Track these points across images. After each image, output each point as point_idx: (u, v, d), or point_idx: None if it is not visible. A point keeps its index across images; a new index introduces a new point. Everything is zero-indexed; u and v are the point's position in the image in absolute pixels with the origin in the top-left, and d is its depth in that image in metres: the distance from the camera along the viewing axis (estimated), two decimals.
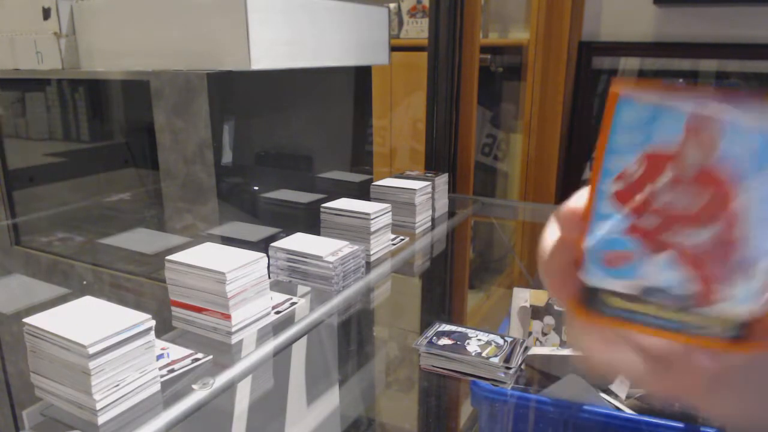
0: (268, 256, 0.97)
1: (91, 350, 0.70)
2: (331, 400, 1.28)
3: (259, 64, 0.99)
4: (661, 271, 0.27)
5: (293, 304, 1.02)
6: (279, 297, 1.03)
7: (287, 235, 1.15)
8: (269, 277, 0.98)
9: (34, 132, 1.75)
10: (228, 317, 0.90)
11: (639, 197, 0.26)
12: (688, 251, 0.26)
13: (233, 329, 0.91)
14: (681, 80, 1.96)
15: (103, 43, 1.10)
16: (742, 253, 0.25)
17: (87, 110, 1.69)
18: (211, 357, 0.86)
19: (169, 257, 0.93)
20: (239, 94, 1.41)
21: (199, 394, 0.80)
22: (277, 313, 0.99)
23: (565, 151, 2.12)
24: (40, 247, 1.62)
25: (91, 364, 0.71)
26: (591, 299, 0.29)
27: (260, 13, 0.98)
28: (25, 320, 0.76)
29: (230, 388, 0.90)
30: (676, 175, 0.26)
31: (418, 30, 2.36)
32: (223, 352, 0.90)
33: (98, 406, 0.73)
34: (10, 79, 1.63)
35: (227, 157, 1.37)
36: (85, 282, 1.47)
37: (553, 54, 2.00)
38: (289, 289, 1.09)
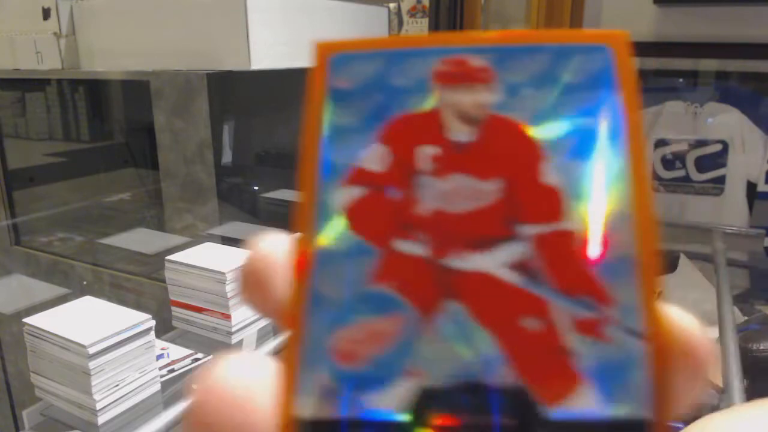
0: None
1: (91, 350, 0.70)
2: None
3: (259, 64, 0.99)
4: (446, 351, 0.14)
5: None
6: None
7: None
8: None
9: (34, 132, 1.75)
10: (228, 317, 0.90)
11: (388, 207, 0.15)
12: (486, 291, 0.14)
13: (233, 329, 0.91)
14: (681, 80, 1.96)
15: (103, 43, 1.10)
16: (581, 283, 0.14)
17: (87, 110, 1.68)
18: (211, 357, 0.86)
19: (169, 257, 0.93)
20: (239, 94, 1.41)
21: None
22: None
23: None
24: (40, 247, 1.62)
25: (91, 364, 0.71)
26: None
27: (260, 14, 0.98)
28: (25, 320, 0.76)
29: None
30: (441, 154, 0.15)
31: (418, 30, 2.36)
32: (224, 352, 0.90)
33: (98, 406, 0.73)
34: (10, 79, 1.63)
35: (227, 157, 1.37)
36: (85, 282, 1.47)
37: None
38: None
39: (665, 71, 1.99)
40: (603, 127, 0.15)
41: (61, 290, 1.51)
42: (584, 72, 0.15)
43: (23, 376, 0.81)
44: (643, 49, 2.00)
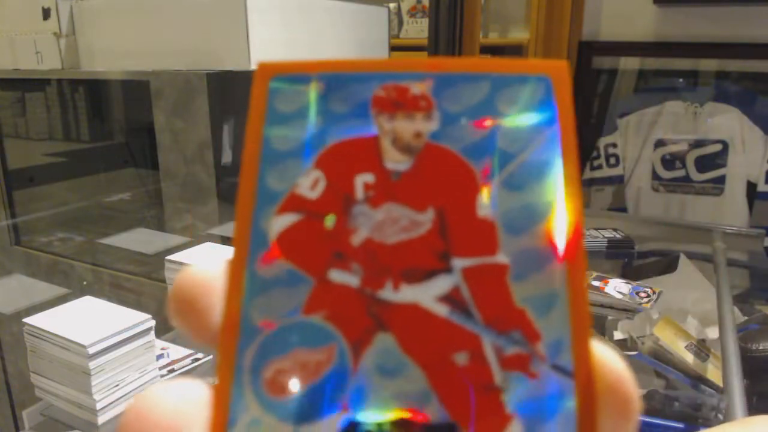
0: None
1: (91, 350, 0.70)
2: None
3: None
4: (376, 384, 0.14)
5: None
6: None
7: None
8: None
9: (34, 132, 1.75)
10: None
11: (322, 235, 0.15)
12: (416, 324, 0.14)
13: None
14: (681, 80, 1.96)
15: (103, 43, 1.10)
16: (510, 318, 0.14)
17: (87, 110, 1.68)
18: (211, 357, 0.86)
19: (169, 257, 0.93)
20: (239, 93, 1.41)
21: None
22: None
23: None
24: (40, 247, 1.62)
25: (91, 364, 0.71)
26: None
27: (260, 14, 0.98)
28: (25, 320, 0.76)
29: None
30: (376, 183, 0.15)
31: (418, 30, 2.36)
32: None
33: (98, 406, 0.73)
34: (10, 79, 1.63)
35: (227, 157, 1.37)
36: (85, 282, 1.47)
37: (553, 54, 2.00)
38: None
39: (665, 71, 1.99)
40: (540, 159, 0.15)
41: (61, 290, 1.51)
42: (523, 102, 0.15)
43: (23, 376, 0.81)
44: (643, 48, 2.00)
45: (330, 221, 0.15)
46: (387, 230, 0.15)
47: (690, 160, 1.86)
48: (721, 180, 1.83)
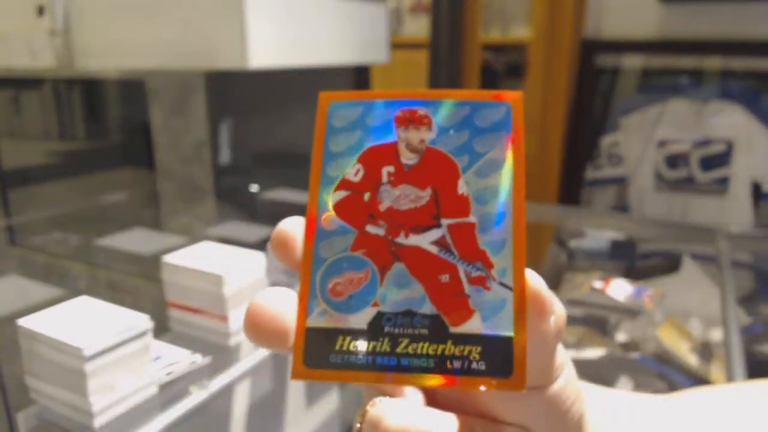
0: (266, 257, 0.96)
1: (87, 352, 0.69)
2: (330, 400, 1.27)
3: (256, 63, 0.98)
4: (394, 292, 0.23)
5: None
6: None
7: None
8: (267, 278, 0.97)
9: (29, 131, 1.74)
10: (225, 319, 0.89)
11: (362, 204, 0.24)
12: (419, 258, 0.23)
13: (231, 331, 0.90)
14: (685, 78, 1.95)
15: (98, 41, 1.09)
16: (475, 254, 0.23)
17: (83, 109, 1.68)
18: (208, 359, 0.85)
19: (165, 258, 0.92)
20: (237, 93, 1.40)
21: (196, 397, 0.79)
22: None
23: (567, 150, 2.11)
24: (35, 247, 1.61)
25: (87, 367, 0.70)
26: (316, 347, 0.23)
27: (257, 12, 0.97)
28: (20, 322, 0.75)
29: (228, 390, 0.89)
30: (396, 170, 0.24)
31: (418, 27, 2.36)
32: (221, 354, 0.89)
33: (94, 409, 0.72)
34: (4, 78, 1.62)
35: (225, 157, 1.36)
36: (81, 283, 1.46)
37: (556, 52, 1.99)
38: None
39: (669, 69, 1.98)
40: (498, 157, 0.24)
41: (56, 291, 1.50)
42: (491, 119, 0.25)
43: (18, 378, 0.80)
44: (646, 46, 1.99)
45: (366, 196, 0.24)
46: (401, 201, 0.24)
47: (694, 159, 1.85)
48: (725, 180, 1.81)
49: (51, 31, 1.07)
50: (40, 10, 1.07)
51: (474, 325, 0.22)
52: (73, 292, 1.40)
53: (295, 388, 1.17)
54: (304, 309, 0.23)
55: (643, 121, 1.91)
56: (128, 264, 1.47)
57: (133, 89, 1.41)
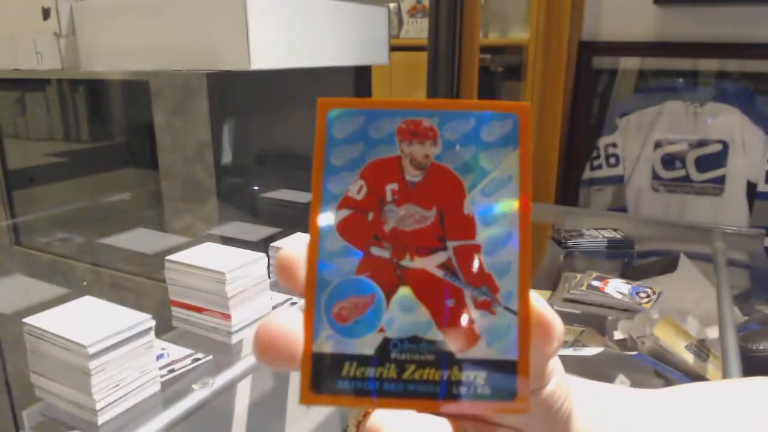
0: (268, 256, 0.97)
1: (91, 350, 0.70)
2: None
3: (258, 64, 0.99)
4: (399, 317, 0.22)
5: (293, 303, 1.02)
6: (279, 297, 1.03)
7: (287, 235, 1.15)
8: (269, 277, 0.97)
9: (34, 132, 1.75)
10: (228, 317, 0.90)
11: (366, 224, 0.23)
12: (424, 282, 0.22)
13: (233, 329, 0.90)
14: (681, 80, 1.96)
15: (103, 43, 1.10)
16: (481, 278, 0.22)
17: (87, 110, 1.68)
18: (211, 357, 0.86)
19: (169, 257, 0.93)
20: (239, 94, 1.41)
21: (199, 394, 0.80)
22: None
23: (564, 151, 2.12)
24: (40, 247, 1.62)
25: (91, 364, 0.71)
26: (324, 372, 0.23)
27: (260, 14, 0.98)
28: (25, 320, 0.75)
29: (230, 388, 0.90)
30: (400, 188, 0.23)
31: (418, 30, 2.36)
32: (224, 352, 0.90)
33: (98, 406, 0.72)
34: (10, 79, 1.63)
35: (227, 157, 1.37)
36: (85, 282, 1.47)
37: (553, 54, 2.00)
38: None
39: (665, 71, 1.99)
40: (504, 176, 0.23)
41: (61, 290, 1.51)
42: (498, 133, 0.23)
43: (23, 376, 0.81)
44: (643, 48, 2.00)
45: (370, 215, 0.23)
46: (406, 222, 0.23)
47: (690, 160, 1.86)
48: (721, 180, 1.82)
49: (56, 34, 1.08)
50: (46, 13, 1.08)
51: (479, 351, 0.22)
52: (77, 291, 1.41)
53: (297, 386, 1.18)
54: (310, 333, 0.22)
55: (640, 122, 1.93)
56: (131, 264, 1.47)
57: (137, 90, 1.42)
